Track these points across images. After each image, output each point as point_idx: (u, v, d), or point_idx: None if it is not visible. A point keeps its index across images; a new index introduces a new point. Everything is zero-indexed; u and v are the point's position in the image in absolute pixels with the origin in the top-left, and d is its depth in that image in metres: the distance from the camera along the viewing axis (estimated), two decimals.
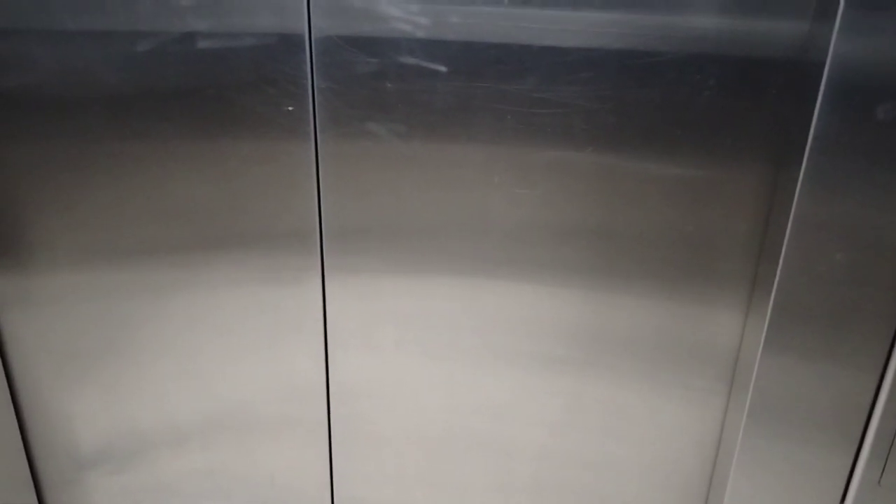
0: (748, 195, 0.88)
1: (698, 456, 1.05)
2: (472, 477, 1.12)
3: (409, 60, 0.85)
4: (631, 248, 0.93)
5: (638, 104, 0.85)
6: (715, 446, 1.04)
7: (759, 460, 0.96)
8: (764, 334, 0.89)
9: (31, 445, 1.17)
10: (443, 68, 0.85)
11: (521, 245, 0.95)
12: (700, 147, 0.86)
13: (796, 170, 0.81)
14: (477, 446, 1.10)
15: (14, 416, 1.13)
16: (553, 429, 1.07)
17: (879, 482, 0.95)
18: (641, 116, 0.85)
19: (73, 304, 1.05)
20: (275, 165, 0.93)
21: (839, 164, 0.80)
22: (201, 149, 0.93)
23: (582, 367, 1.01)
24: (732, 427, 0.98)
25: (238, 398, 1.11)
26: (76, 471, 1.19)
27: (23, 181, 0.98)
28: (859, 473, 0.95)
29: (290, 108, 0.89)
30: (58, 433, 1.16)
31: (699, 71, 0.82)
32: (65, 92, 0.91)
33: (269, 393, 1.10)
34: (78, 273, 1.03)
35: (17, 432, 1.15)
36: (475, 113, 0.87)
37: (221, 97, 0.90)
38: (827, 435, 0.94)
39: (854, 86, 0.76)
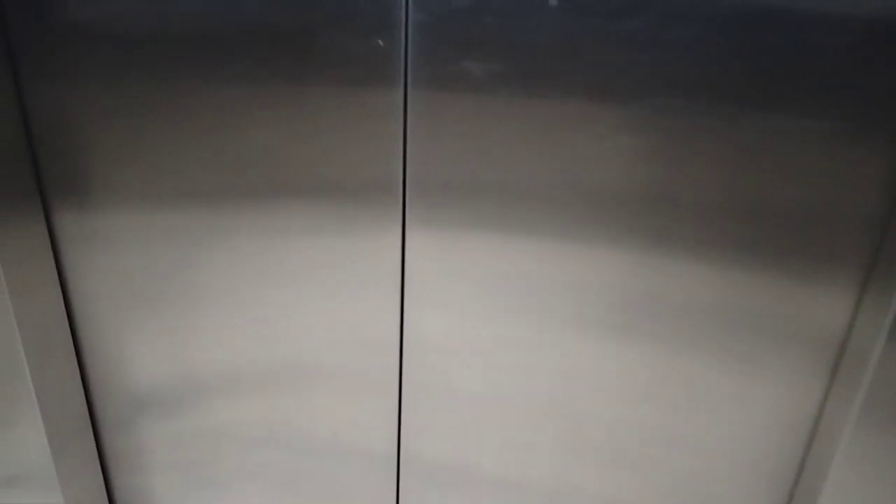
0: (876, 161, 0.81)
1: (787, 440, 1.00)
2: (543, 441, 1.10)
3: None
4: (733, 217, 0.87)
5: (760, 52, 0.78)
6: (808, 432, 0.99)
7: (869, 453, 0.90)
8: (890, 319, 0.81)
9: (90, 386, 1.17)
10: (553, 1, 0.78)
11: (611, 208, 0.90)
12: (826, 106, 0.79)
13: None
14: (550, 410, 1.07)
15: (74, 356, 1.13)
16: (631, 400, 1.03)
17: None
18: (763, 66, 0.78)
19: (138, 245, 1.04)
20: (360, 108, 0.89)
21: None
22: (282, 89, 0.89)
23: (665, 340, 0.97)
24: (836, 414, 0.92)
25: (304, 349, 1.09)
26: (133, 412, 1.19)
27: (93, 120, 0.95)
28: None
29: (381, 43, 0.83)
30: (117, 374, 1.16)
31: (830, 25, 0.75)
32: (138, 26, 0.88)
33: (338, 345, 1.08)
34: (145, 214, 1.01)
35: (77, 372, 1.15)
36: (578, 55, 0.81)
37: (307, 31, 0.85)
38: None
39: None
